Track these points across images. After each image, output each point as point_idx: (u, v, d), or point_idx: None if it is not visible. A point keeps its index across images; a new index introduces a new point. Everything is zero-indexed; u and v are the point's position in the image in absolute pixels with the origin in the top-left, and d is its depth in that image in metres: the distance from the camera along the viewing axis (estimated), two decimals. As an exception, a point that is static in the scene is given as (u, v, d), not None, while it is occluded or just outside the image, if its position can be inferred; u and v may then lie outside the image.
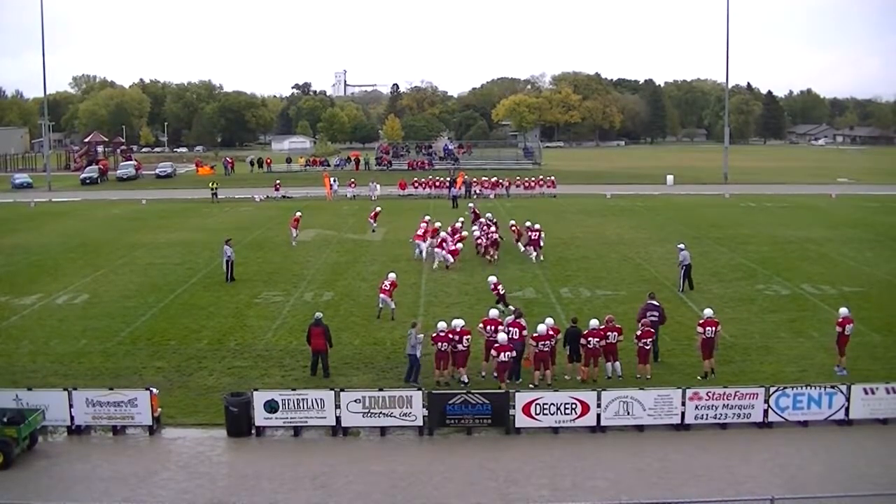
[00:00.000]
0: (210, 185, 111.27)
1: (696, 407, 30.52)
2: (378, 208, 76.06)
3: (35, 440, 29.81)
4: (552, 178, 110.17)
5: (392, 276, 46.72)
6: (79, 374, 36.97)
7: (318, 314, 37.52)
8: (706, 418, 30.61)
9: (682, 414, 30.59)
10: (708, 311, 36.34)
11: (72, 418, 31.13)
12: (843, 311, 36.03)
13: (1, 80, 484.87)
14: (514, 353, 34.56)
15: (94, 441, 31.06)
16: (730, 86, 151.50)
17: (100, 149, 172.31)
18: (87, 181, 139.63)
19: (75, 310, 48.72)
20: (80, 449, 30.35)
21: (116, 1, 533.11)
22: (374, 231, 73.40)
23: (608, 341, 34.93)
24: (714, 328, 35.32)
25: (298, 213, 73.00)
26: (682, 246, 52.53)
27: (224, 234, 61.67)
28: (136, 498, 25.84)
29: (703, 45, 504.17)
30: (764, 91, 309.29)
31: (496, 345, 34.10)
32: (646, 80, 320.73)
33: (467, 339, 34.90)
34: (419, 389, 31.34)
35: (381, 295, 45.65)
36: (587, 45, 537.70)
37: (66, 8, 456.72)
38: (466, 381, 34.72)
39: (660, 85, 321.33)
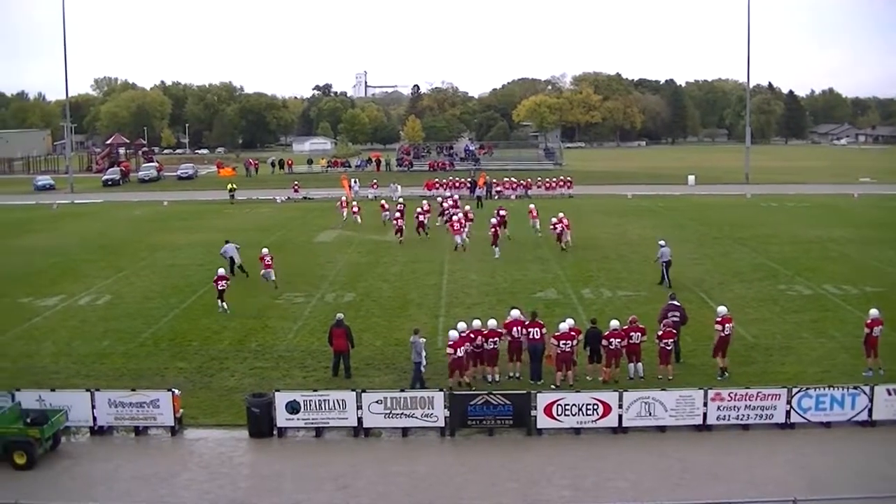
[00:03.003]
0: (228, 186, 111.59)
1: (718, 408, 30.43)
2: (356, 205, 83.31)
3: (58, 440, 29.96)
4: (570, 178, 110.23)
5: (265, 250, 53.79)
6: (101, 375, 37.15)
7: (340, 315, 37.54)
8: (728, 419, 30.51)
9: (704, 415, 30.49)
10: (723, 309, 36.25)
11: (94, 419, 31.28)
12: (874, 312, 35.70)
13: (23, 83, 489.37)
14: (470, 350, 34.90)
15: (117, 441, 31.19)
16: (751, 85, 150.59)
17: (121, 150, 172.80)
18: (109, 183, 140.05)
19: (97, 311, 48.94)
20: (102, 449, 30.46)
21: (137, 3, 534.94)
22: (358, 220, 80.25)
23: (631, 342, 34.86)
24: (731, 325, 35.36)
25: (343, 197, 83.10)
26: (662, 242, 53.34)
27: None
28: (158, 498, 25.97)
29: (724, 44, 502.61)
30: (785, 91, 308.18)
31: (450, 341, 34.22)
32: (667, 81, 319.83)
33: (493, 341, 35.10)
34: (441, 390, 31.35)
35: (266, 270, 52.98)
36: (608, 46, 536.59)
37: (88, 10, 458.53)
38: (496, 380, 35.16)
39: (681, 85, 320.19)
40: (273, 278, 53.04)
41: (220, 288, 47.82)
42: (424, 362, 34.38)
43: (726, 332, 35.18)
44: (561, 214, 66.82)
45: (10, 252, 70.27)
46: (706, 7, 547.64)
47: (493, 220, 64.93)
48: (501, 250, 61.77)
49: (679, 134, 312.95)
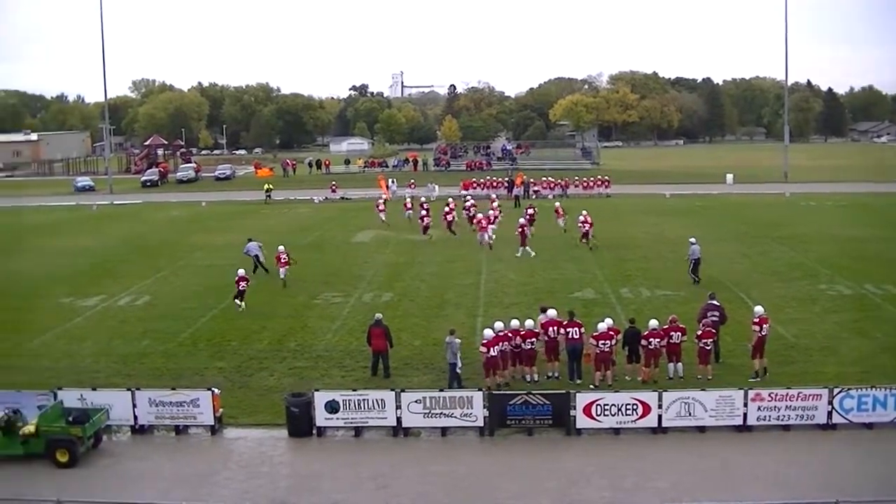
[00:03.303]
0: (265, 186, 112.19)
1: (759, 408, 30.25)
2: (381, 202, 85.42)
3: (99, 439, 30.27)
4: (607, 177, 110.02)
5: (282, 248, 55.35)
6: (141, 375, 37.39)
7: (378, 315, 37.60)
8: (769, 419, 30.32)
9: (745, 415, 30.31)
10: (760, 309, 35.92)
11: (135, 418, 31.55)
12: None
13: (63, 86, 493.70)
14: (508, 350, 34.86)
15: (157, 440, 31.42)
16: (789, 83, 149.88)
17: (159, 151, 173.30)
18: (148, 184, 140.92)
19: (137, 311, 49.29)
20: (143, 448, 30.71)
21: (174, 5, 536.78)
22: (382, 221, 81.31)
23: (671, 341, 34.70)
24: (768, 325, 35.15)
25: (380, 201, 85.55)
26: (692, 240, 53.52)
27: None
28: (197, 497, 26.07)
29: (762, 42, 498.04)
30: (824, 88, 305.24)
31: (484, 340, 34.19)
32: (704, 79, 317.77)
33: (531, 341, 34.98)
34: (480, 390, 31.33)
35: (282, 267, 54.35)
36: (644, 44, 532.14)
37: (125, 13, 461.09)
38: (534, 379, 35.04)
39: (718, 83, 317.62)
40: (283, 276, 54.49)
41: (240, 288, 48.38)
42: (460, 363, 34.38)
43: (764, 333, 34.97)
44: (585, 212, 67.37)
45: (51, 253, 70.81)
46: (743, 5, 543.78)
47: (521, 220, 65.14)
48: (534, 249, 61.81)
49: (716, 132, 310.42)
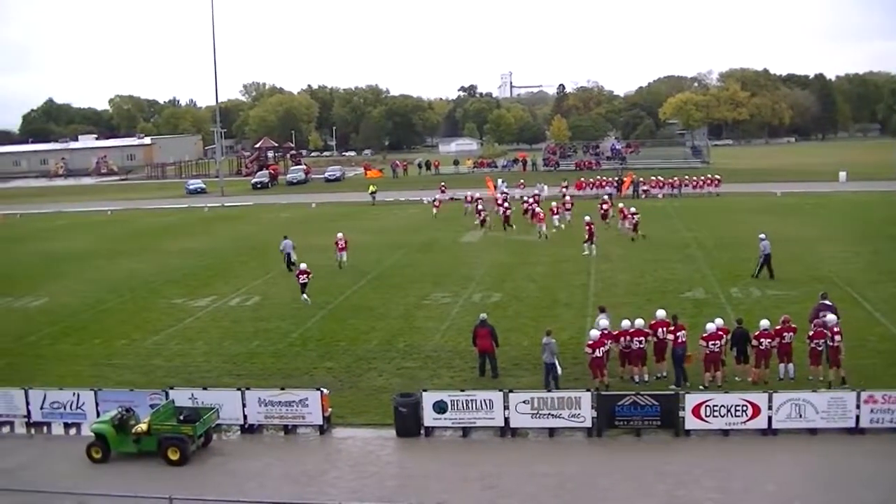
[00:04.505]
0: (369, 188, 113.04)
1: (872, 410, 29.54)
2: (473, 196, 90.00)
3: (210, 438, 30.71)
4: (718, 176, 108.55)
5: (340, 234, 61.44)
6: (251, 375, 37.89)
7: (483, 315, 37.57)
8: (882, 422, 29.57)
9: (857, 417, 29.59)
10: (832, 318, 34.79)
11: (245, 417, 31.93)
12: None
13: (175, 90, 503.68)
14: (608, 349, 34.76)
15: (266, 440, 31.77)
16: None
17: (270, 154, 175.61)
18: (258, 185, 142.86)
19: (247, 311, 49.87)
20: (252, 447, 31.08)
21: (283, 9, 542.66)
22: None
23: (783, 341, 34.11)
24: (839, 337, 33.81)
25: (498, 196, 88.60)
26: (762, 236, 53.75)
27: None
28: (306, 496, 26.23)
29: (875, 37, 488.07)
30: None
31: (590, 341, 34.07)
32: (816, 75, 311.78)
33: (639, 341, 34.66)
34: (588, 390, 31.15)
35: (339, 252, 60.21)
36: (755, 41, 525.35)
37: (236, 18, 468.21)
38: (643, 380, 34.78)
39: (830, 79, 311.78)
40: (344, 260, 60.36)
41: (301, 281, 49.86)
42: (558, 364, 34.24)
43: (836, 343, 33.83)
44: (622, 205, 73.48)
45: (164, 254, 72.21)
46: None
47: (587, 218, 65.05)
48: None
49: (829, 129, 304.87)
